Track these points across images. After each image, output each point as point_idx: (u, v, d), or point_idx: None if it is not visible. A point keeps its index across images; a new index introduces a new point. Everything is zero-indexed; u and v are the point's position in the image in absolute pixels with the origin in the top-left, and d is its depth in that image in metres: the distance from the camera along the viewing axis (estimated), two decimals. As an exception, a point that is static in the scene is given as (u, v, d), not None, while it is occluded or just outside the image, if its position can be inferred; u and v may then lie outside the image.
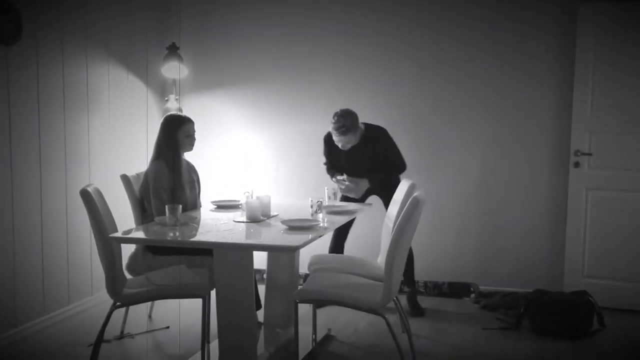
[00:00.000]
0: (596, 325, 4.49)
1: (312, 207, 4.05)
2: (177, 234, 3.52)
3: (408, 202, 3.42)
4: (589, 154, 4.93)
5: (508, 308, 4.85)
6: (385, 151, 4.74)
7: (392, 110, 5.41)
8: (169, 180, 4.12)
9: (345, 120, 4.56)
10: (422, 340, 4.27)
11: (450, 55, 5.26)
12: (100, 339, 3.65)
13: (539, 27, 5.07)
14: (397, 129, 5.37)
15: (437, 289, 5.35)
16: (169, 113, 4.58)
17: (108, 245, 3.57)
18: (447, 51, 5.26)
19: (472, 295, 5.22)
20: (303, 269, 4.44)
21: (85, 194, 3.58)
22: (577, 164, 4.96)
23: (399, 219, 3.42)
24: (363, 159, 4.72)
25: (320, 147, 5.18)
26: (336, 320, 4.63)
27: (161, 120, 4.34)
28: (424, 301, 5.18)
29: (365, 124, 4.76)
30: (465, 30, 5.21)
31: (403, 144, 5.34)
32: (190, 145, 4.28)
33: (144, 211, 4.23)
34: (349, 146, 4.67)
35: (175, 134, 4.20)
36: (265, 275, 4.28)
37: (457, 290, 5.32)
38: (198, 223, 3.85)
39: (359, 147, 4.69)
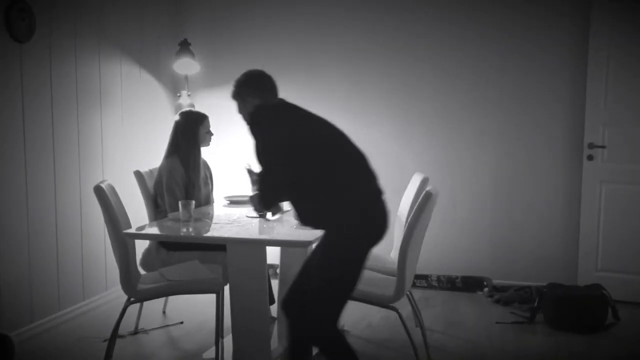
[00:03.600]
0: (610, 318, 4.46)
1: (324, 202, 4.04)
2: (191, 229, 3.53)
3: (420, 197, 3.43)
4: (603, 147, 4.90)
5: (522, 302, 4.84)
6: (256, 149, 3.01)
7: (407, 104, 5.40)
8: (182, 177, 4.14)
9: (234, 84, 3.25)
10: (436, 335, 4.27)
11: (463, 50, 5.24)
12: (115, 334, 3.67)
13: (553, 20, 5.04)
14: (411, 122, 5.38)
15: (450, 283, 5.34)
16: (184, 109, 4.60)
17: (122, 242, 3.59)
18: (461, 46, 5.24)
19: (486, 290, 5.21)
20: (316, 263, 4.44)
21: (99, 190, 3.60)
22: (590, 157, 4.93)
23: (412, 214, 3.43)
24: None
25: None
26: (349, 314, 4.62)
27: (176, 116, 4.35)
28: (437, 296, 5.18)
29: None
30: (479, 24, 5.19)
31: (416, 138, 5.34)
32: (209, 141, 4.32)
33: (157, 207, 4.25)
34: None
35: (197, 129, 4.23)
36: (278, 270, 4.29)
37: (471, 284, 5.31)
38: (211, 219, 3.86)
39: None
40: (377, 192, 2.94)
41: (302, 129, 2.96)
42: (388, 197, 4.86)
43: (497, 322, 4.53)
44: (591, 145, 4.91)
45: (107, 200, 3.60)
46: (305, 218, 2.94)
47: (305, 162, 2.85)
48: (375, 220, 2.89)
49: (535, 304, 4.57)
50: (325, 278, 2.86)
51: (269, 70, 5.64)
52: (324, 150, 2.91)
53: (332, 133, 3.01)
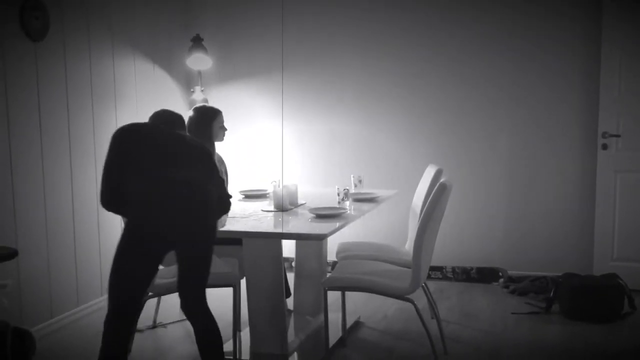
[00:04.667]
0: (627, 308, 4.45)
1: (338, 195, 4.07)
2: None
3: (435, 188, 3.43)
4: (617, 136, 4.88)
5: (537, 292, 4.84)
6: None
7: (419, 96, 5.40)
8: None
9: None
10: (451, 326, 4.28)
11: (476, 42, 5.23)
12: (133, 328, 3.70)
13: (566, 9, 5.02)
14: (423, 114, 5.38)
15: (465, 275, 5.35)
16: (197, 105, 4.61)
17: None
18: (473, 38, 5.23)
19: (501, 280, 5.21)
20: (331, 256, 4.46)
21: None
22: (605, 146, 4.91)
23: (426, 205, 3.43)
24: None
25: (347, 134, 5.18)
26: (365, 306, 4.65)
27: (189, 112, 4.38)
28: (453, 287, 5.19)
29: None
30: (490, 14, 5.18)
31: (430, 130, 5.35)
32: (223, 136, 4.33)
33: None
34: None
35: (210, 125, 4.24)
36: (294, 264, 4.31)
37: (486, 275, 5.31)
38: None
39: None
40: (157, 187, 2.96)
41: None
42: (401, 188, 4.89)
43: (512, 313, 4.53)
44: (605, 134, 4.89)
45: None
46: None
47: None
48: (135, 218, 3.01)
49: (551, 294, 4.56)
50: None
51: (280, 64, 5.67)
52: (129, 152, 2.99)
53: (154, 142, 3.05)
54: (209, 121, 4.25)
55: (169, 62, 5.53)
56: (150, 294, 3.70)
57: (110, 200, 3.02)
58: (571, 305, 4.41)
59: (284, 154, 5.76)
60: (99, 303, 4.69)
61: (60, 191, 4.35)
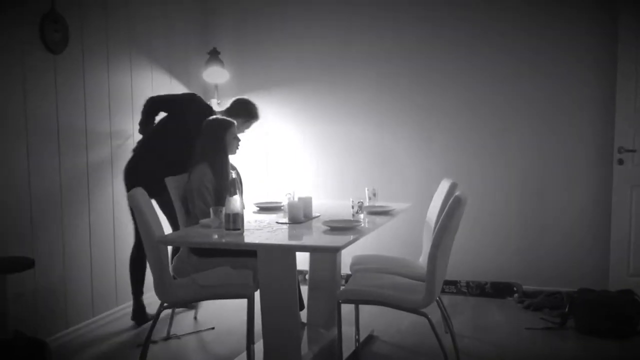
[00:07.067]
0: (643, 324, 4.43)
1: (353, 207, 4.07)
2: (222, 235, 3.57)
3: (450, 202, 3.43)
4: (633, 151, 4.86)
5: (552, 307, 4.81)
6: None
7: (434, 110, 5.41)
8: (213, 183, 4.19)
9: None
10: (465, 340, 4.27)
11: (491, 54, 5.23)
12: (148, 339, 3.72)
13: (580, 20, 5.02)
14: (438, 127, 5.38)
15: (479, 289, 5.33)
16: (211, 117, 4.64)
17: (155, 248, 3.64)
18: (488, 50, 5.24)
19: (516, 295, 5.19)
20: (345, 269, 4.47)
21: (132, 198, 3.67)
22: (621, 161, 4.89)
23: (441, 219, 3.43)
24: None
25: (361, 146, 5.19)
26: (379, 320, 4.65)
27: (204, 124, 4.40)
28: (467, 301, 5.17)
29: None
30: (505, 25, 5.18)
31: (442, 142, 5.35)
32: (237, 148, 4.35)
33: (188, 214, 4.30)
34: None
35: (223, 136, 4.26)
36: (307, 276, 4.32)
37: (500, 290, 5.28)
38: (242, 225, 3.89)
39: None
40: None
41: None
42: (416, 202, 4.88)
43: (527, 328, 4.51)
44: (621, 150, 4.88)
45: (141, 208, 3.65)
46: None
47: None
48: None
49: (566, 309, 4.54)
50: None
51: (297, 74, 5.70)
52: None
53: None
54: (222, 132, 4.28)
55: (185, 74, 5.58)
56: (165, 305, 3.72)
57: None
58: (586, 321, 4.38)
59: (299, 166, 5.78)
60: (114, 313, 4.72)
61: (77, 203, 4.39)
